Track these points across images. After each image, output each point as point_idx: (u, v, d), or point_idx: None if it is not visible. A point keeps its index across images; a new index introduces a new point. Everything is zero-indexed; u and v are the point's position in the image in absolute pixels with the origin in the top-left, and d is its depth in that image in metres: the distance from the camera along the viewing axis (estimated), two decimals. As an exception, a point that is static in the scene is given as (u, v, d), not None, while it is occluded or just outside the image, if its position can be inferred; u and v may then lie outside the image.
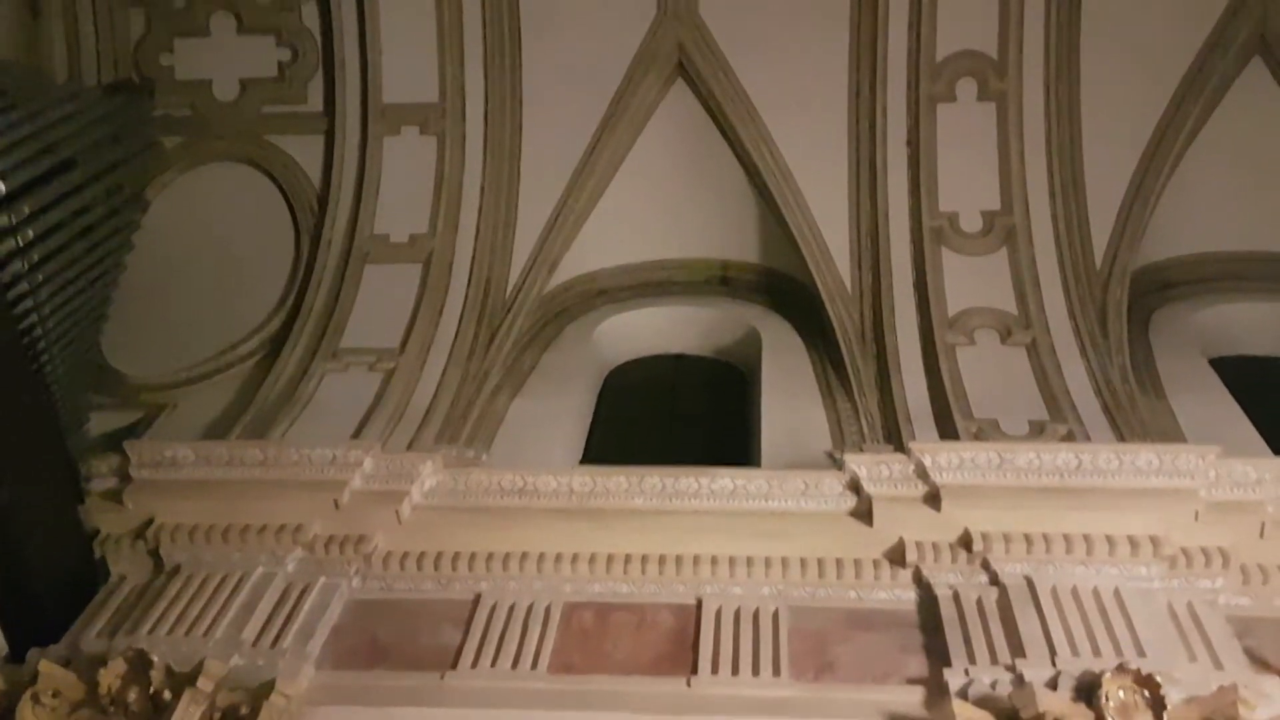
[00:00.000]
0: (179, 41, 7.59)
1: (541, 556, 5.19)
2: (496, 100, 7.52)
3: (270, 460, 5.53)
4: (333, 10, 7.40)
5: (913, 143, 6.89)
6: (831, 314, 6.81)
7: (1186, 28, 6.83)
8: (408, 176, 7.48)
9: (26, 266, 5.15)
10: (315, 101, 7.63)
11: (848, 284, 6.94)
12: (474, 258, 7.35)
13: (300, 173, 7.52)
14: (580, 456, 6.61)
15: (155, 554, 5.32)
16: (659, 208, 7.81)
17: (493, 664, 4.69)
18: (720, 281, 7.90)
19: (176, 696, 4.31)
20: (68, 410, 5.70)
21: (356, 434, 6.07)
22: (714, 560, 5.04)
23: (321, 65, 7.56)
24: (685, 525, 5.17)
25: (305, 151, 7.55)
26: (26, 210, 5.17)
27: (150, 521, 5.38)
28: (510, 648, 4.76)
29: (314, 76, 7.59)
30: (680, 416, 7.26)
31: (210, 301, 7.04)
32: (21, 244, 5.11)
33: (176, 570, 5.21)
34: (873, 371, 6.39)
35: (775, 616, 4.83)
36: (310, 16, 7.54)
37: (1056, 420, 5.72)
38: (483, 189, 7.50)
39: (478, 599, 5.09)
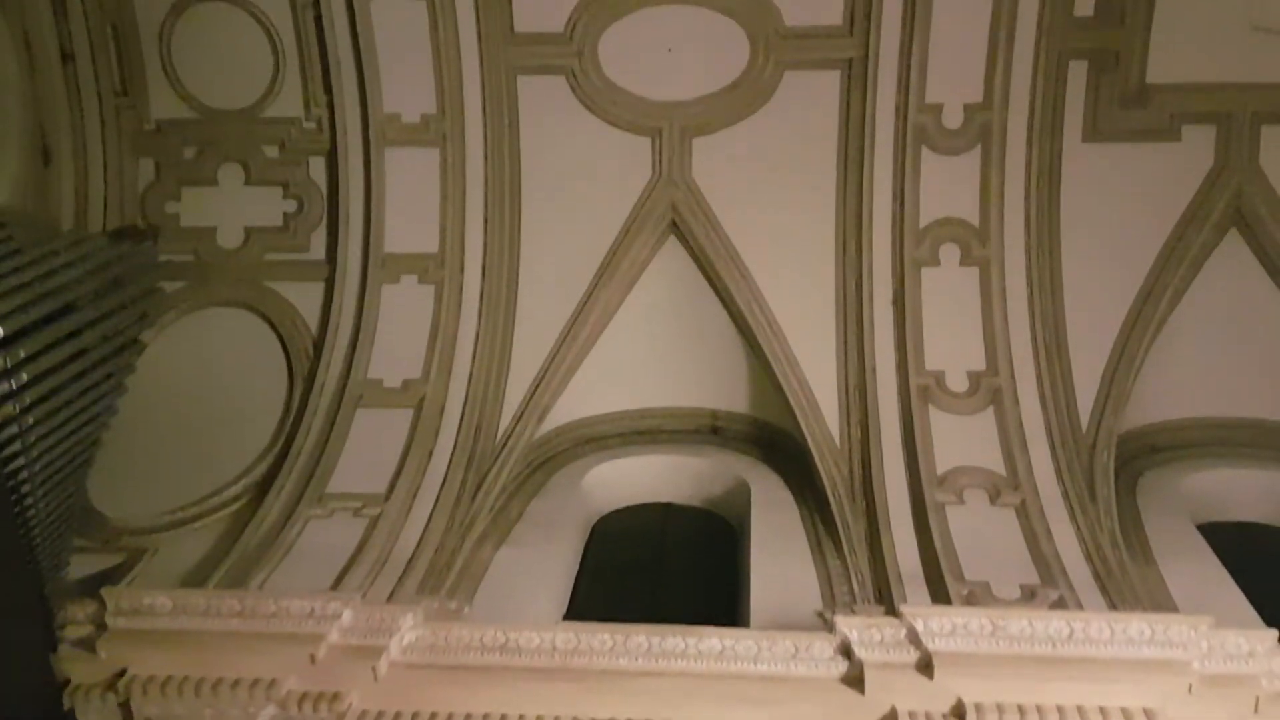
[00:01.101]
0: (187, 190, 7.83)
1: (521, 718, 5.03)
2: (495, 251, 7.71)
3: (247, 611, 5.41)
4: (339, 166, 7.65)
5: (898, 303, 7.06)
6: (820, 468, 6.83)
7: (1164, 200, 7.09)
8: (404, 323, 7.60)
9: (18, 409, 5.18)
10: (317, 250, 7.82)
11: (836, 438, 6.99)
12: (465, 404, 7.40)
13: (298, 318, 7.64)
14: (566, 608, 6.49)
15: (126, 706, 5.15)
16: (650, 358, 7.92)
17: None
18: (710, 431, 7.95)
19: None
20: (47, 553, 5.62)
21: (337, 584, 5.97)
22: (700, 727, 4.90)
23: (326, 216, 7.79)
24: (671, 688, 5.03)
25: (305, 297, 7.69)
26: (22, 354, 5.23)
27: (123, 672, 5.21)
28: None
29: (318, 226, 7.81)
30: (668, 568, 7.16)
31: (199, 445, 7.03)
32: (15, 387, 5.14)
33: (146, 724, 5.05)
34: (862, 528, 6.36)
35: (763, 789, 4.67)
36: (317, 171, 7.80)
37: (1048, 585, 5.66)
38: (477, 336, 7.61)
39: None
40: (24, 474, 5.30)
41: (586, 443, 7.96)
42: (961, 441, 6.61)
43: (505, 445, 7.47)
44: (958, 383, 6.85)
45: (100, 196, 7.70)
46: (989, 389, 6.82)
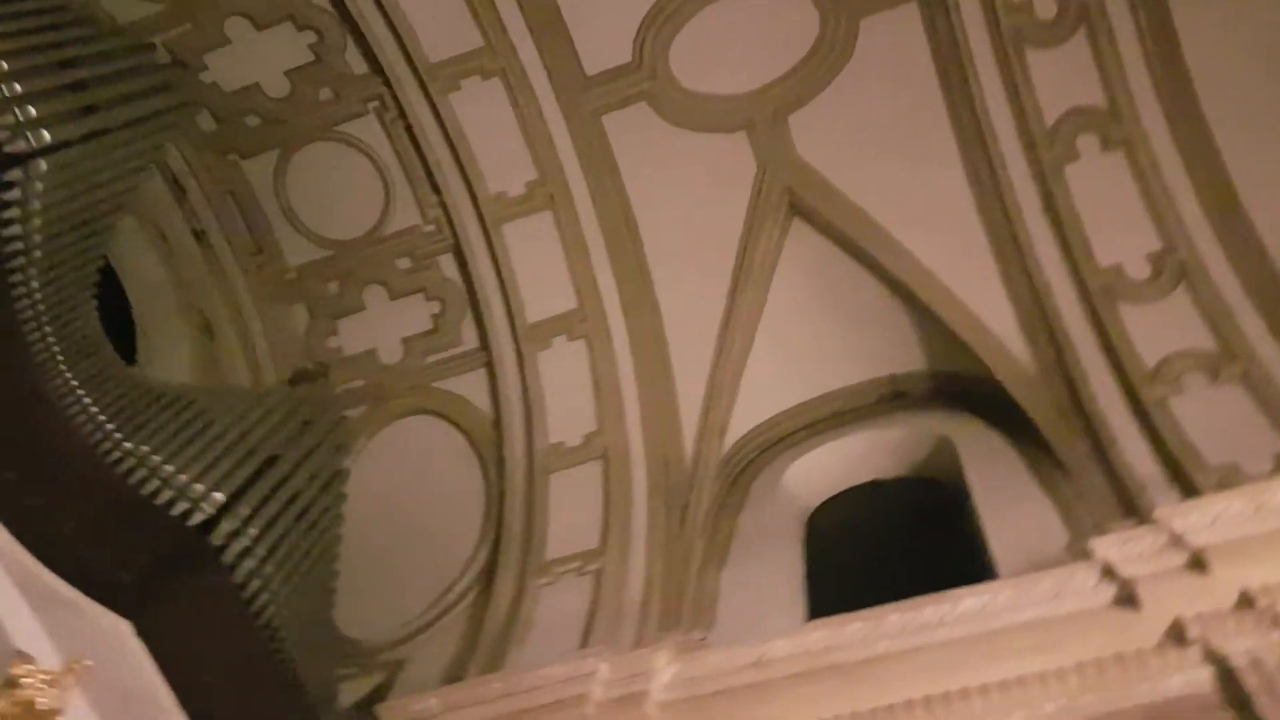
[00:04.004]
0: (341, 322, 8.25)
1: (798, 728, 4.98)
2: (628, 289, 7.80)
3: (511, 690, 5.56)
4: (466, 256, 7.91)
5: (1050, 209, 6.72)
6: (1021, 400, 6.55)
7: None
8: (567, 383, 7.75)
9: (258, 562, 5.49)
10: (470, 339, 8.08)
11: (1030, 366, 6.69)
12: (646, 442, 7.47)
13: (472, 408, 7.91)
14: (806, 610, 6.38)
15: (421, 811, 5.38)
16: (811, 344, 7.79)
17: None
18: (894, 398, 7.71)
19: None
20: (316, 688, 5.91)
21: (584, 642, 6.11)
22: (983, 690, 4.70)
23: (469, 305, 8.04)
24: (936, 660, 4.88)
25: (472, 387, 7.96)
26: (246, 512, 5.56)
27: (418, 781, 5.46)
28: (800, 830, 4.53)
29: (464, 317, 8.07)
30: (894, 545, 6.96)
31: (418, 550, 7.32)
32: (250, 543, 5.47)
33: (453, 826, 5.24)
34: (1086, 447, 6.05)
35: (1071, 734, 4.46)
36: (449, 267, 8.08)
37: (1300, 447, 5.26)
38: (637, 375, 7.69)
39: (750, 785, 4.89)
40: (277, 620, 5.60)
41: (773, 445, 7.87)
42: (1161, 328, 6.22)
43: (696, 471, 7.47)
44: (1139, 270, 6.44)
45: (266, 351, 8.19)
46: (1173, 267, 6.39)
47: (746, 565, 6.78)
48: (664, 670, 5.39)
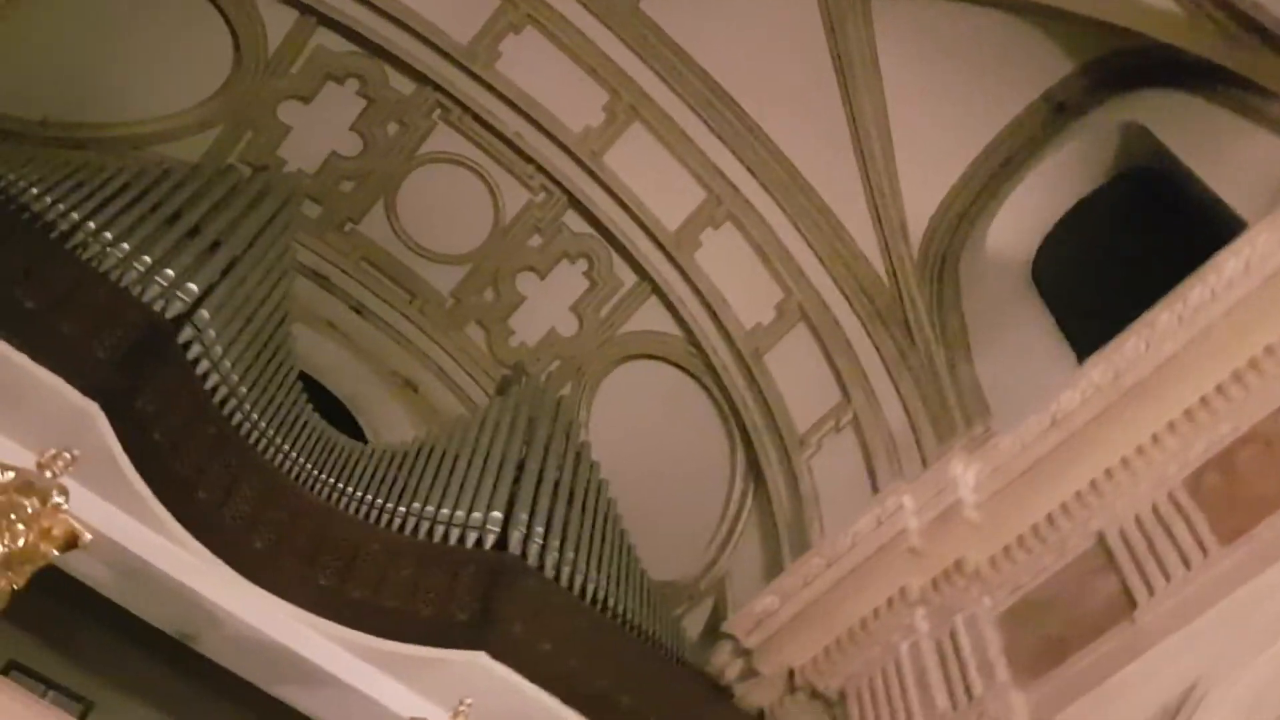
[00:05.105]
0: (511, 321, 8.50)
1: (1124, 461, 4.81)
2: (746, 152, 7.62)
3: (832, 558, 5.65)
4: (582, 202, 7.96)
5: None
6: (1186, 46, 5.92)
7: None
8: (734, 268, 7.72)
9: (558, 554, 5.84)
10: (628, 277, 8.17)
11: (1176, 10, 5.98)
12: (836, 282, 7.34)
13: (662, 336, 8.01)
14: (1073, 357, 6.09)
15: (815, 694, 5.55)
16: (946, 105, 7.33)
17: (1167, 578, 4.35)
18: (1055, 113, 7.13)
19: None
20: (666, 636, 6.17)
21: (874, 488, 6.11)
22: (1291, 339, 4.41)
23: (611, 247, 8.08)
24: (1228, 332, 4.60)
25: (654, 317, 8.07)
26: (525, 516, 5.90)
27: (790, 673, 5.65)
28: (1170, 553, 4.41)
29: (612, 260, 8.13)
30: (1129, 252, 6.53)
31: (682, 481, 7.54)
32: (542, 540, 5.81)
33: (842, 696, 5.39)
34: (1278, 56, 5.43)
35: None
36: (575, 222, 8.15)
37: None
38: (796, 226, 7.53)
39: (1100, 537, 4.79)
40: (602, 593, 5.90)
41: (960, 222, 7.46)
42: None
43: (897, 283, 7.26)
44: None
45: (465, 376, 8.54)
46: None
47: (994, 345, 6.57)
48: (965, 475, 5.32)
